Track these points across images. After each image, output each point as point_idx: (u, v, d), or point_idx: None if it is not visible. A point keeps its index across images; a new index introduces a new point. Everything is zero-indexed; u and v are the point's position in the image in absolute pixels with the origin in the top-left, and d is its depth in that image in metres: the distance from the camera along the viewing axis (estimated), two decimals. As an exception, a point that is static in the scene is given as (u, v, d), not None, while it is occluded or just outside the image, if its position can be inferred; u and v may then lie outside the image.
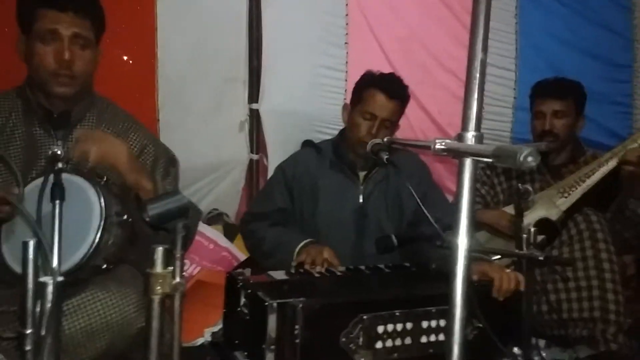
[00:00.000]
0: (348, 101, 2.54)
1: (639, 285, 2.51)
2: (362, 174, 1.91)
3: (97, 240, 1.20)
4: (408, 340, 1.28)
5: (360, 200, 1.87)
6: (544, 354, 1.65)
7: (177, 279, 0.89)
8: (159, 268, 0.87)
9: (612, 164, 1.99)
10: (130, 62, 2.32)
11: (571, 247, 1.92)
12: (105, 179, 1.34)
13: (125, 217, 1.29)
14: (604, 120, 2.88)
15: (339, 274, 1.51)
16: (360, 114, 1.82)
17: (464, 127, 0.86)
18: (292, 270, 1.58)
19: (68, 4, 1.36)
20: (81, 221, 1.22)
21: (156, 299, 0.88)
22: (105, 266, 1.27)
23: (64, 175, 1.16)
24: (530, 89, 2.23)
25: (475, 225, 2.09)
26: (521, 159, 0.66)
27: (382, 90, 1.80)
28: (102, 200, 1.23)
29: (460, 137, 0.86)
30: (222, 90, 2.47)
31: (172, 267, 0.89)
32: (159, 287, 0.87)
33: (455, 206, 0.85)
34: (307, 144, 2.02)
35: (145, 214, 0.90)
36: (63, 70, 1.36)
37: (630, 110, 3.05)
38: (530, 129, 2.25)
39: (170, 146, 1.78)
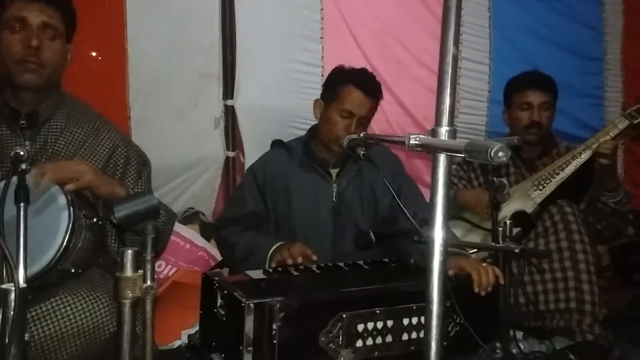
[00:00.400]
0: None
1: (613, 275, 2.58)
2: (334, 172, 1.89)
3: (65, 243, 1.18)
4: (389, 338, 1.27)
5: (334, 198, 1.86)
6: (521, 346, 1.68)
7: (148, 282, 0.86)
8: (128, 272, 0.85)
9: (585, 156, 2.03)
10: (99, 58, 2.26)
11: (546, 239, 1.95)
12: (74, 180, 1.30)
13: (94, 219, 1.26)
14: (576, 112, 2.94)
15: (317, 271, 1.50)
16: (337, 112, 1.80)
17: (437, 122, 0.86)
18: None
19: None
20: (49, 224, 1.20)
21: (127, 303, 0.86)
22: (74, 270, 1.24)
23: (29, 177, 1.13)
24: (510, 80, 2.24)
25: (456, 205, 2.12)
26: (492, 154, 0.66)
27: (359, 88, 1.78)
28: (70, 202, 1.20)
29: (433, 133, 0.87)
30: (196, 86, 2.43)
31: (142, 271, 0.86)
32: (129, 291, 0.84)
33: (430, 201, 0.85)
34: (277, 143, 1.98)
35: (112, 216, 0.88)
36: (30, 57, 1.34)
37: (602, 102, 3.12)
38: (504, 121, 2.27)
39: (143, 144, 1.75)
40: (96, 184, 1.28)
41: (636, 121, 2.03)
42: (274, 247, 1.65)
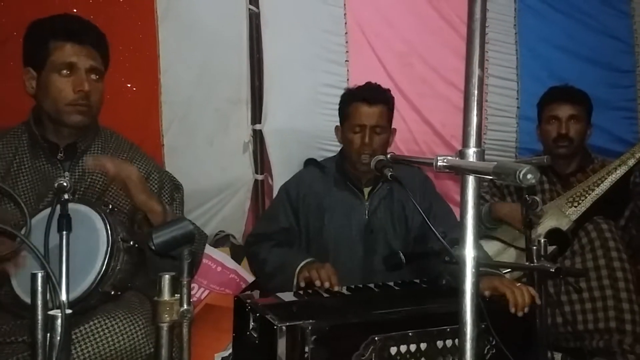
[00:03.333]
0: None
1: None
2: (366, 190, 1.92)
3: (104, 266, 1.23)
4: (422, 361, 1.26)
5: (366, 217, 1.87)
6: (560, 368, 1.63)
7: (185, 306, 0.89)
8: (166, 296, 0.87)
9: (621, 171, 1.98)
10: (134, 89, 2.35)
11: (583, 257, 1.91)
12: (110, 207, 1.36)
13: (131, 242, 1.30)
14: (609, 126, 2.87)
15: (347, 293, 1.50)
16: (350, 130, 1.86)
17: (465, 144, 0.87)
18: (294, 290, 1.57)
19: (85, 37, 1.42)
20: (88, 248, 1.25)
21: (164, 326, 0.88)
22: (113, 292, 1.29)
23: (70, 205, 1.18)
24: (542, 95, 2.24)
25: (490, 218, 2.09)
26: (520, 176, 0.67)
27: (361, 101, 1.84)
28: (108, 226, 1.26)
29: (461, 154, 0.87)
30: (225, 112, 2.50)
31: (179, 295, 0.89)
32: (166, 315, 0.87)
33: (460, 222, 0.85)
34: (310, 162, 2.04)
35: (151, 242, 0.91)
36: (82, 100, 1.40)
37: (635, 115, 3.04)
38: (538, 137, 2.25)
39: (175, 170, 1.81)
40: (140, 189, 1.33)
41: (672, 135, 1.97)
42: (303, 262, 1.66)
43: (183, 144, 2.37)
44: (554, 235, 1.95)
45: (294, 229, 1.89)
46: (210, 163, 2.46)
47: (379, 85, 1.93)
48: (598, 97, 2.22)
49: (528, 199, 1.71)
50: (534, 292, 1.45)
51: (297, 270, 1.64)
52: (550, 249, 1.64)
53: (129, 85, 2.34)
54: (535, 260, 1.59)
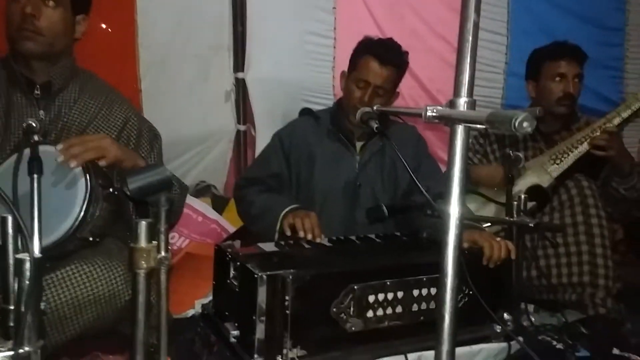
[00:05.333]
0: (336, 68, 2.51)
1: (627, 250, 2.55)
2: (359, 144, 1.89)
3: (82, 212, 1.20)
4: (399, 309, 1.28)
5: (356, 170, 1.86)
6: (533, 319, 1.68)
7: (162, 253, 0.87)
8: (142, 242, 0.85)
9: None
10: (109, 30, 2.23)
11: (562, 213, 1.93)
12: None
13: (110, 189, 1.27)
14: (595, 85, 2.84)
15: (329, 245, 1.51)
16: (354, 82, 1.81)
17: (456, 93, 0.84)
18: (276, 237, 1.57)
19: None
20: (66, 193, 1.21)
21: (141, 273, 0.86)
22: (91, 239, 1.26)
23: (44, 148, 1.13)
24: (539, 50, 2.14)
25: (470, 181, 2.10)
26: (516, 124, 0.64)
27: (375, 57, 1.77)
28: (86, 172, 1.22)
29: (452, 104, 0.84)
30: (206, 58, 2.41)
31: (156, 242, 0.86)
32: (143, 262, 0.85)
33: (447, 174, 0.84)
34: (306, 112, 2.00)
35: (126, 187, 0.88)
36: (26, 24, 1.34)
37: (622, 74, 3.03)
38: (528, 94, 2.20)
39: (154, 117, 1.75)
40: (121, 158, 1.27)
41: (659, 94, 1.96)
42: (289, 208, 1.65)
43: (162, 90, 2.29)
44: (534, 191, 1.96)
45: (284, 175, 1.88)
46: (190, 111, 2.39)
47: (399, 46, 1.85)
48: (588, 55, 2.17)
49: (512, 155, 1.71)
50: (511, 247, 1.47)
51: (282, 215, 1.63)
52: (530, 204, 1.66)
53: (103, 25, 2.22)
54: (514, 215, 1.61)
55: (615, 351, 1.52)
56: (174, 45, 2.32)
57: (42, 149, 1.11)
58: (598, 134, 1.95)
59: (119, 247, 1.34)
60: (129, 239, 0.87)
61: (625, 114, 1.99)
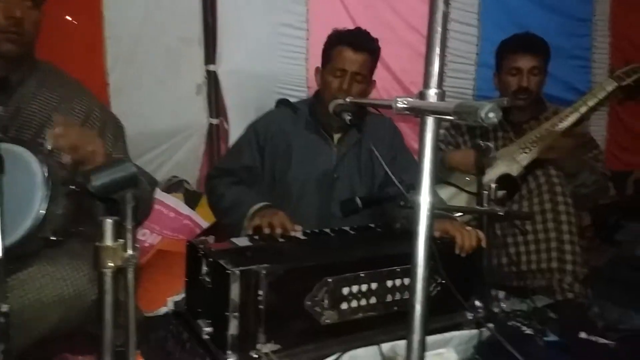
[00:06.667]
0: (309, 60, 2.49)
1: (593, 236, 2.63)
2: (336, 136, 1.88)
3: (42, 211, 1.16)
4: (373, 300, 1.29)
5: (333, 162, 1.85)
6: (503, 305, 1.72)
7: (129, 252, 0.85)
8: (108, 241, 0.82)
9: (573, 118, 2.02)
10: (75, 22, 2.16)
11: (530, 201, 1.97)
12: (50, 147, 1.26)
13: (72, 186, 1.23)
14: (563, 74, 2.90)
15: (303, 238, 1.50)
16: (330, 73, 1.80)
17: (426, 85, 0.84)
18: (247, 234, 1.55)
19: None
20: (25, 192, 1.17)
21: (107, 272, 0.84)
22: (54, 238, 1.23)
23: (2, 145, 1.09)
24: (502, 43, 2.19)
25: (445, 167, 2.12)
26: (482, 115, 0.64)
27: (348, 45, 1.77)
28: (45, 169, 1.18)
29: (421, 95, 0.84)
30: (176, 51, 2.35)
31: (123, 240, 0.84)
32: (109, 261, 0.82)
33: (418, 165, 0.84)
34: (283, 102, 1.97)
35: (89, 185, 0.85)
36: (12, 27, 1.29)
37: (589, 64, 3.09)
38: (495, 85, 2.24)
39: (123, 111, 1.71)
40: (100, 155, 1.21)
41: (624, 83, 2.01)
42: (257, 206, 1.63)
43: (130, 84, 2.24)
44: (504, 180, 1.99)
45: (257, 168, 1.85)
46: (160, 105, 2.34)
47: (368, 32, 1.85)
48: (555, 45, 2.20)
49: (482, 145, 1.73)
50: (481, 236, 1.50)
51: (250, 213, 1.61)
52: (500, 193, 1.69)
53: (69, 18, 2.14)
54: (485, 204, 1.63)
55: (583, 335, 1.56)
56: (143, 37, 2.26)
57: (3, 146, 1.07)
58: (566, 122, 2.00)
59: (84, 246, 1.29)
60: (95, 238, 0.85)
61: (591, 103, 2.03)
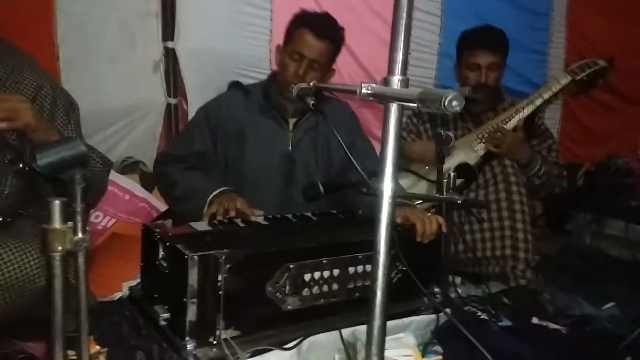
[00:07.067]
0: (272, 41, 2.44)
1: (545, 224, 2.75)
2: (292, 121, 1.85)
3: None
4: (335, 286, 1.29)
5: (289, 148, 1.83)
6: (459, 290, 1.77)
7: (79, 235, 0.80)
8: (57, 224, 0.78)
9: (528, 110, 2.09)
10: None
11: (486, 190, 2.03)
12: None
13: (20, 165, 1.16)
14: (520, 67, 2.98)
15: (265, 223, 1.48)
16: (289, 55, 1.75)
17: (390, 71, 0.83)
18: (205, 221, 1.51)
19: None
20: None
21: (56, 256, 0.80)
22: (2, 219, 1.19)
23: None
24: (460, 38, 2.21)
25: (404, 157, 2.14)
26: (446, 103, 0.65)
27: (311, 30, 1.73)
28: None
29: (386, 81, 0.84)
30: (131, 24, 2.25)
31: (72, 222, 0.80)
32: (58, 245, 0.78)
33: (381, 152, 0.84)
34: (235, 85, 1.90)
35: (35, 163, 0.80)
36: None
37: (546, 58, 3.19)
38: (456, 77, 2.27)
39: (75, 87, 1.62)
40: (33, 127, 1.15)
41: (578, 77, 2.09)
42: (216, 192, 1.58)
43: (82, 58, 2.13)
44: (462, 169, 2.05)
45: (209, 154, 1.80)
46: (114, 81, 2.24)
47: (335, 20, 1.81)
48: (513, 39, 2.25)
49: (442, 134, 1.76)
50: (442, 221, 1.53)
51: (209, 199, 1.56)
52: (458, 182, 1.72)
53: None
54: (444, 193, 1.67)
55: (535, 320, 1.63)
56: (95, 9, 2.15)
57: None
58: (522, 113, 2.06)
59: (33, 228, 1.24)
60: (45, 220, 0.80)
61: (546, 95, 2.11)
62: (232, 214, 1.46)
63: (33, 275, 1.18)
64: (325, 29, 1.75)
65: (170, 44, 2.31)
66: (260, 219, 1.50)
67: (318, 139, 1.86)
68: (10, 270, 1.16)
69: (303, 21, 1.77)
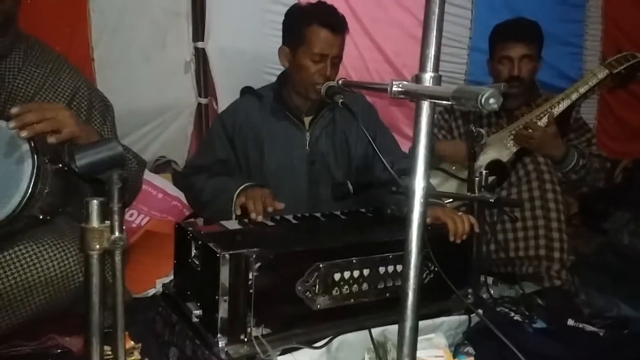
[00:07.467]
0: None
1: (580, 223, 2.66)
2: (307, 120, 1.84)
3: (30, 189, 1.14)
4: (365, 286, 1.28)
5: (307, 147, 1.82)
6: (492, 291, 1.74)
7: (116, 234, 0.82)
8: (94, 223, 0.80)
9: (564, 105, 2.03)
10: (59, -6, 2.09)
11: (519, 188, 1.98)
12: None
13: (60, 165, 1.20)
14: (554, 61, 2.88)
15: (294, 222, 1.49)
16: (307, 57, 1.70)
17: (422, 68, 0.82)
18: (234, 218, 1.53)
19: None
20: (12, 169, 1.14)
21: (94, 254, 0.82)
22: (42, 217, 1.21)
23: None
24: (492, 31, 2.16)
25: (433, 155, 2.11)
26: (482, 100, 0.63)
27: (325, 27, 1.68)
28: (33, 146, 1.15)
29: (417, 79, 0.82)
30: (163, 25, 2.28)
31: (109, 222, 0.82)
32: (96, 243, 0.80)
33: (412, 150, 0.83)
34: (247, 90, 1.90)
35: (74, 164, 0.82)
36: None
37: (581, 50, 3.09)
38: (489, 71, 2.22)
39: (108, 88, 1.66)
40: (77, 135, 1.17)
41: (616, 71, 2.01)
42: (242, 187, 1.59)
43: (115, 58, 2.17)
44: (494, 166, 2.00)
45: (231, 160, 1.81)
46: (147, 82, 2.28)
47: (333, 7, 1.77)
48: (547, 31, 2.18)
49: (474, 130, 1.73)
50: (473, 221, 1.50)
51: (235, 195, 1.58)
52: (490, 179, 1.69)
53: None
54: (476, 191, 1.64)
55: (570, 322, 1.58)
56: (128, 9, 2.18)
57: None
58: (557, 109, 2.00)
59: (71, 226, 1.27)
60: (82, 218, 0.83)
61: (583, 89, 2.04)
62: (259, 218, 1.46)
63: (72, 272, 1.21)
64: (338, 23, 1.71)
65: (200, 44, 2.34)
66: (289, 217, 1.51)
67: (336, 135, 1.85)
68: (50, 267, 1.20)
69: (310, 18, 1.70)
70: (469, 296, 1.48)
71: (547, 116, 2.01)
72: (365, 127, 1.80)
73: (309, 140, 1.82)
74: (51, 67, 1.40)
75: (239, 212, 1.53)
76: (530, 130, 1.96)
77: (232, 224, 1.41)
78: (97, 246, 0.81)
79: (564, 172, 2.00)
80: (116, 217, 0.82)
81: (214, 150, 1.81)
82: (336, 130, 1.84)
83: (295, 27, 1.73)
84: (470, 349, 1.36)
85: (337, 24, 1.70)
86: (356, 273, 1.27)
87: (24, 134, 1.10)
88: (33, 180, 1.13)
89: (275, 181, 1.78)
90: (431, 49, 0.81)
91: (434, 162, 2.15)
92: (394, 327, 1.16)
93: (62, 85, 1.39)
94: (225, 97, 2.36)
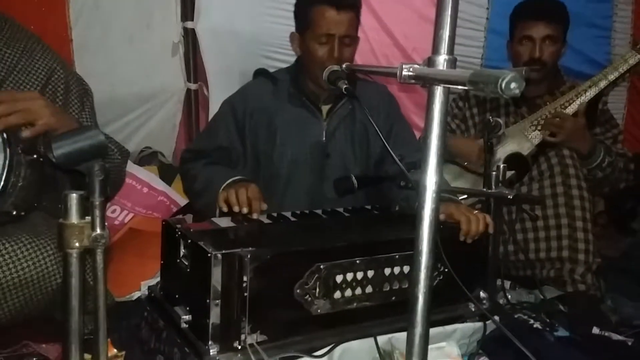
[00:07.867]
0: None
1: (607, 223, 2.66)
2: (325, 108, 1.85)
3: (2, 182, 1.14)
4: (369, 289, 1.29)
5: (324, 138, 1.83)
6: (509, 296, 1.74)
7: (98, 231, 0.82)
8: (74, 218, 0.80)
9: (591, 93, 2.02)
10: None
11: (541, 184, 1.98)
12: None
13: (34, 156, 1.20)
14: (580, 45, 2.88)
15: (292, 219, 1.49)
16: (314, 40, 1.73)
17: (435, 50, 0.82)
18: (217, 214, 1.53)
19: None
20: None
21: (73, 253, 0.82)
22: (15, 212, 1.21)
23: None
24: (513, 10, 2.15)
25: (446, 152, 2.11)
26: (503, 85, 0.62)
27: (328, 5, 1.69)
28: (4, 137, 1.14)
29: (430, 62, 0.82)
30: (149, 3, 2.28)
31: (90, 217, 0.82)
32: (75, 241, 0.80)
33: (423, 141, 0.82)
34: (261, 73, 1.91)
35: (51, 154, 0.82)
36: None
37: (609, 34, 3.07)
38: (508, 55, 2.22)
39: (88, 71, 1.66)
40: (54, 126, 1.17)
41: (648, 56, 2.01)
42: (228, 181, 1.59)
43: (96, 39, 2.17)
44: (513, 159, 2.00)
45: (234, 149, 1.82)
46: (130, 65, 2.28)
47: None
48: (573, 12, 2.17)
49: (491, 120, 1.72)
50: (489, 221, 1.50)
51: (221, 189, 1.57)
52: (509, 174, 1.69)
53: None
54: (493, 186, 1.63)
55: (595, 330, 1.58)
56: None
57: None
58: (583, 97, 2.00)
59: (48, 222, 1.28)
60: (60, 213, 0.83)
61: (612, 76, 2.04)
62: (244, 210, 1.45)
63: (49, 273, 1.21)
64: None
65: (189, 24, 2.34)
66: (288, 214, 1.51)
67: (355, 128, 1.85)
68: (25, 267, 1.20)
69: None
70: (484, 301, 1.48)
71: (576, 104, 2.00)
72: (384, 119, 1.81)
73: (325, 129, 1.83)
74: (24, 46, 1.40)
75: (225, 209, 1.52)
76: (559, 120, 1.95)
77: (225, 221, 1.41)
78: (77, 244, 0.81)
79: (590, 169, 1.99)
80: (97, 212, 0.82)
81: (217, 136, 1.82)
82: (356, 121, 1.85)
83: (302, 10, 1.77)
84: (485, 359, 1.36)
85: (340, 0, 1.70)
86: (360, 275, 1.27)
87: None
88: (5, 173, 1.13)
89: (286, 173, 1.80)
90: (445, 30, 0.81)
91: (447, 155, 2.15)
92: (402, 335, 1.17)
93: (35, 67, 1.39)
94: (217, 82, 2.37)
